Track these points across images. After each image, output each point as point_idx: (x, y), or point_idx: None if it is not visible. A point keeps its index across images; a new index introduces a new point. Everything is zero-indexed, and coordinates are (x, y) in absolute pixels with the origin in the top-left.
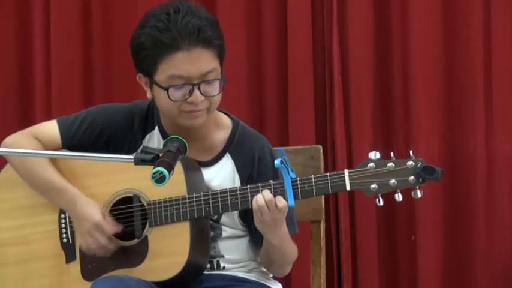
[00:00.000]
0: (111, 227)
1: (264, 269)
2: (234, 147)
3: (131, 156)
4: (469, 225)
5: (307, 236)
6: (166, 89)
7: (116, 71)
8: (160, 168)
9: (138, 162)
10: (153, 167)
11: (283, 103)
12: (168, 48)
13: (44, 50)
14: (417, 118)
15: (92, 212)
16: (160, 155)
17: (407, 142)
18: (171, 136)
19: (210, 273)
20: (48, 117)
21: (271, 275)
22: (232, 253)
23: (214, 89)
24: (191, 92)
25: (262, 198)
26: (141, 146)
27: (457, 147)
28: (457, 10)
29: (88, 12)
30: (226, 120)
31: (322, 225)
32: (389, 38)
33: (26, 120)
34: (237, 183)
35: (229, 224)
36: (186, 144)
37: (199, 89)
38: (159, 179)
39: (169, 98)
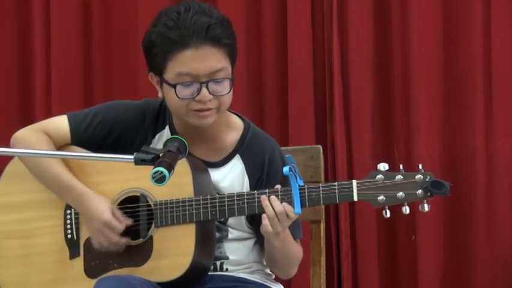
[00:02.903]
0: (121, 223)
1: (268, 271)
2: (244, 149)
3: (131, 156)
4: (469, 225)
5: (307, 236)
6: (174, 86)
7: (116, 71)
8: (160, 168)
9: (138, 162)
10: (153, 167)
11: (283, 103)
12: (176, 45)
13: (44, 50)
14: (417, 118)
15: (101, 209)
16: (161, 155)
17: (407, 142)
18: (171, 136)
19: (212, 274)
20: (48, 117)
21: (274, 276)
22: (237, 254)
23: (224, 89)
24: (199, 91)
25: (273, 211)
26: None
27: (457, 147)
28: (457, 10)
29: (88, 12)
30: (237, 122)
31: (322, 225)
32: (389, 38)
33: (26, 120)
34: (246, 185)
35: (236, 226)
36: (187, 144)
37: (207, 87)
38: (159, 179)
39: (177, 96)
